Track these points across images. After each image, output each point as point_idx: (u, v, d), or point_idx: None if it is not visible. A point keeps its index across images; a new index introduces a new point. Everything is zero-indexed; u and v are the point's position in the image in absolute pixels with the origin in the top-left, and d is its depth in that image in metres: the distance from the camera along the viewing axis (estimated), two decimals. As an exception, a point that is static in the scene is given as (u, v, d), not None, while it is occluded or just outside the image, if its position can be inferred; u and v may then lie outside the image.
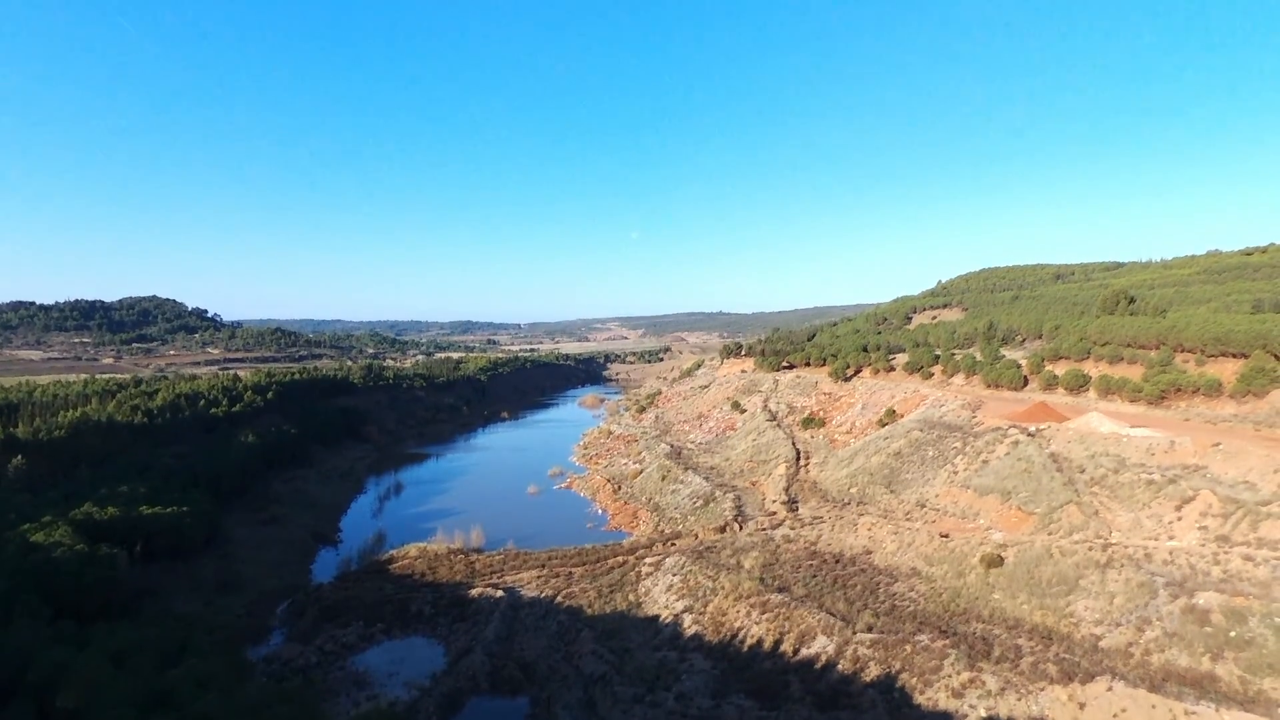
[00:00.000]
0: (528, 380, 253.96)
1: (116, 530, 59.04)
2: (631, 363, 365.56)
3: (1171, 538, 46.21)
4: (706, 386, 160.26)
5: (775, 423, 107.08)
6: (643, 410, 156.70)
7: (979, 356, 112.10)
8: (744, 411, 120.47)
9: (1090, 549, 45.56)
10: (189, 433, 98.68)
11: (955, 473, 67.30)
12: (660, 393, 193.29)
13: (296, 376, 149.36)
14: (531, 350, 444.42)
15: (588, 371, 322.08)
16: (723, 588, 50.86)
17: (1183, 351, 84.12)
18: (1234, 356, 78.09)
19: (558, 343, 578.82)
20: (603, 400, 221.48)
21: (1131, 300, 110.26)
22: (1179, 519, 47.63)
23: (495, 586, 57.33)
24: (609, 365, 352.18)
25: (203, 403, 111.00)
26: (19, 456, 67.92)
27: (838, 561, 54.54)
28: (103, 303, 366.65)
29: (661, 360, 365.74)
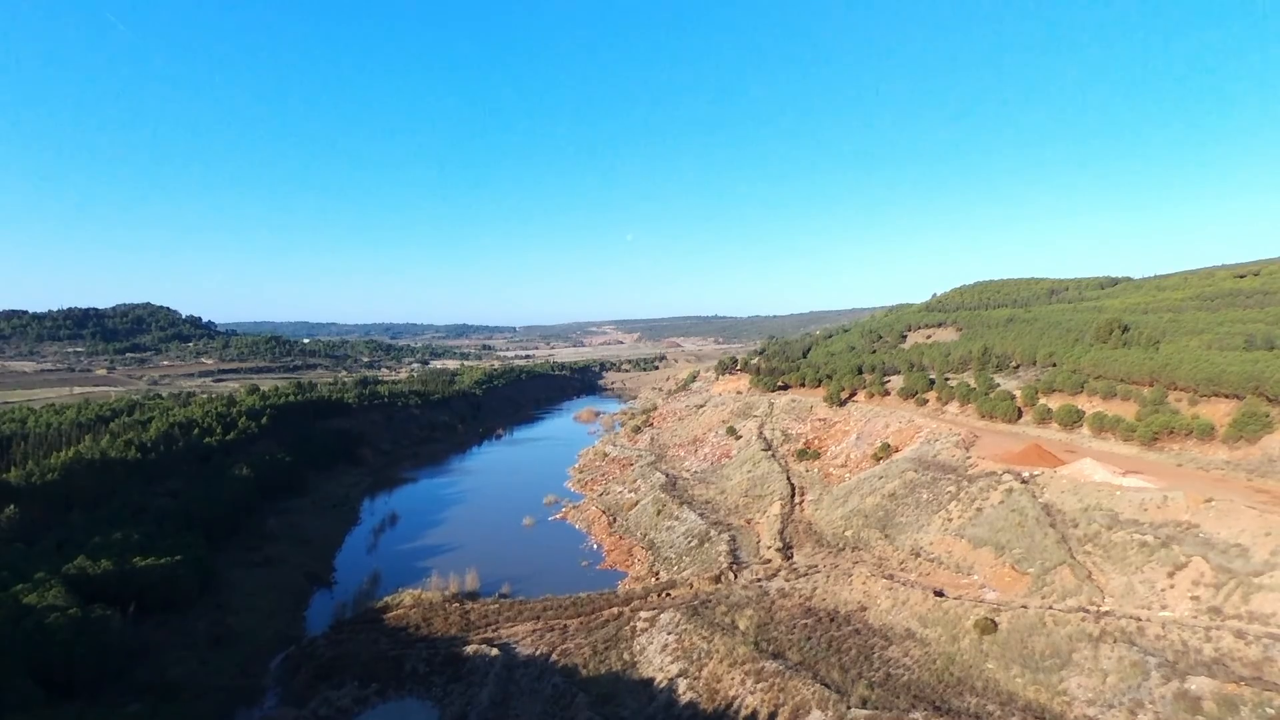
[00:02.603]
0: (523, 393, 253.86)
1: (110, 585, 58.87)
2: (627, 371, 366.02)
3: (1164, 607, 46.38)
4: (702, 406, 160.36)
5: (770, 453, 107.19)
6: (638, 431, 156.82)
7: (973, 384, 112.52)
8: (739, 438, 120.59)
9: (1083, 619, 45.73)
10: (183, 465, 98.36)
11: (949, 520, 67.45)
12: (656, 408, 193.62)
13: (291, 399, 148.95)
14: (527, 357, 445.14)
15: (583, 381, 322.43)
16: (717, 651, 50.88)
17: (1176, 390, 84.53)
18: (1226, 397, 78.52)
19: (553, 348, 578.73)
20: (598, 414, 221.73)
21: (1125, 329, 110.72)
22: (1171, 586, 47.79)
23: (490, 643, 57.24)
24: (604, 374, 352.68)
25: (196, 431, 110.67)
26: (11, 506, 67.57)
27: (832, 620, 54.63)
28: (96, 310, 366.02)
29: (657, 369, 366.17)
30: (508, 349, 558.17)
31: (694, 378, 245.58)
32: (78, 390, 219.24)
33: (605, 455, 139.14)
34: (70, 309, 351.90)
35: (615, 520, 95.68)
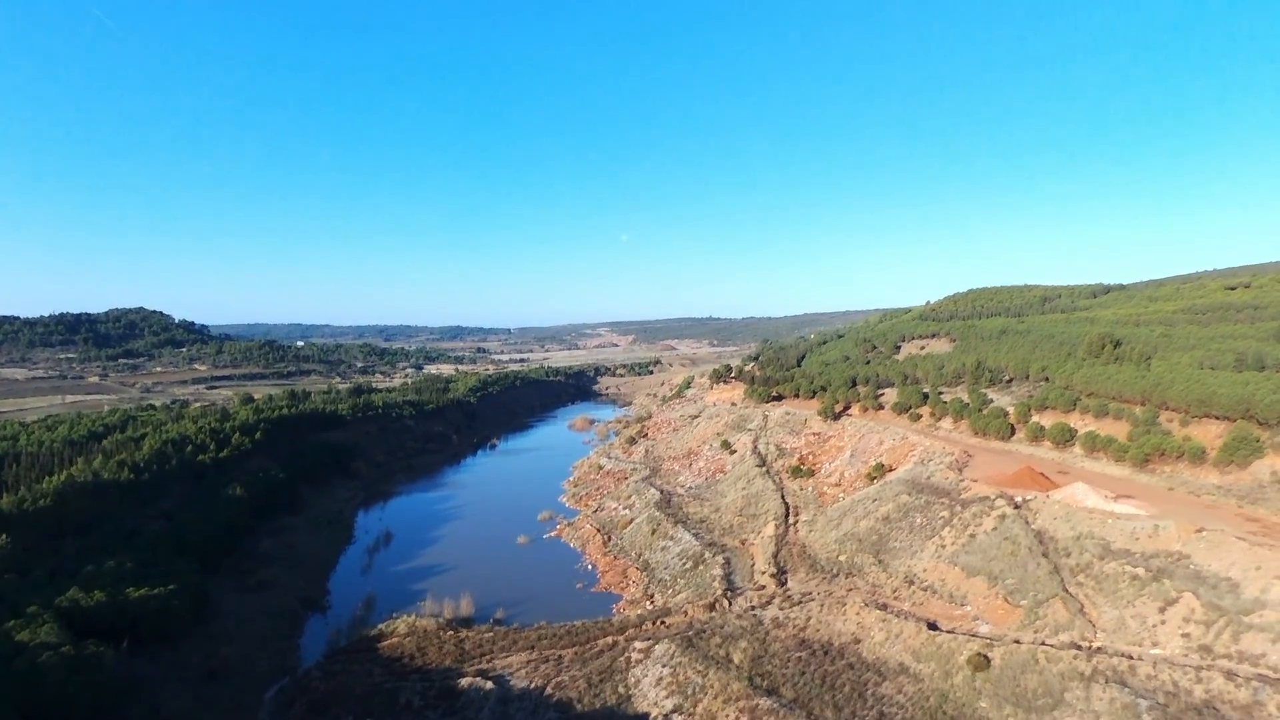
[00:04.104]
0: (517, 400, 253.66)
1: (104, 617, 58.71)
2: (621, 375, 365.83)
3: (1155, 644, 46.73)
4: (696, 417, 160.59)
5: (764, 469, 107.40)
6: (632, 442, 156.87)
7: (966, 399, 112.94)
8: (733, 452, 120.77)
9: (1075, 657, 46.00)
10: (176, 484, 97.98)
11: (943, 546, 67.74)
12: (650, 416, 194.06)
13: (285, 411, 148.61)
14: (521, 360, 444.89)
15: (578, 386, 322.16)
16: (712, 686, 51.03)
17: (1167, 410, 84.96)
18: (1217, 419, 78.99)
19: (547, 351, 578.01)
20: (592, 422, 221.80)
21: (1117, 344, 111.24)
22: (1162, 622, 48.17)
23: (485, 675, 57.21)
24: (599, 379, 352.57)
25: (190, 448, 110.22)
26: (4, 535, 67.28)
27: (826, 653, 54.79)
28: (88, 315, 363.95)
29: (652, 373, 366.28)
30: (502, 352, 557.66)
31: (689, 384, 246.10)
32: (70, 399, 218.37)
33: (600, 468, 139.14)
34: (62, 314, 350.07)
35: (610, 539, 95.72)
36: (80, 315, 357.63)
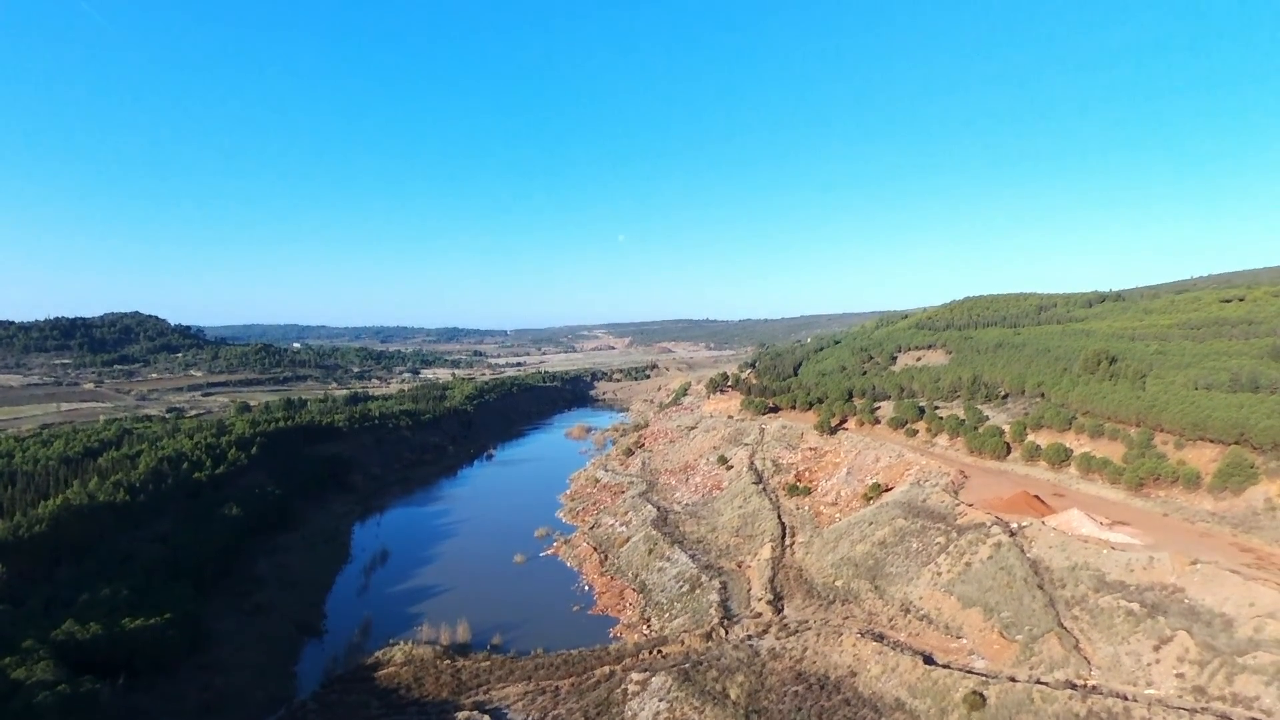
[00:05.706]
0: (514, 407, 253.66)
1: (99, 650, 58.49)
2: (618, 380, 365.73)
3: (1150, 684, 46.93)
4: (693, 428, 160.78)
5: (761, 486, 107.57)
6: (629, 454, 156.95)
7: (963, 415, 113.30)
8: (730, 468, 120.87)
9: (1070, 697, 46.14)
10: (171, 503, 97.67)
11: (939, 574, 67.88)
12: (647, 424, 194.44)
13: (281, 424, 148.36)
14: (518, 364, 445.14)
15: (574, 392, 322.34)
16: (709, 723, 51.10)
17: (1162, 431, 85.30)
18: (1212, 442, 79.32)
19: (544, 354, 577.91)
20: (589, 430, 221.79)
21: (1113, 360, 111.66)
22: (1157, 661, 48.35)
23: (481, 708, 57.25)
24: (595, 384, 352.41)
25: (186, 465, 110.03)
26: (0, 566, 67.15)
27: (822, 688, 54.90)
28: (83, 320, 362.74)
29: (648, 378, 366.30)
30: (499, 355, 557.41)
31: (685, 390, 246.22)
32: (65, 407, 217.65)
33: (596, 481, 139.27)
34: (57, 319, 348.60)
35: (606, 558, 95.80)
36: (75, 320, 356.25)
